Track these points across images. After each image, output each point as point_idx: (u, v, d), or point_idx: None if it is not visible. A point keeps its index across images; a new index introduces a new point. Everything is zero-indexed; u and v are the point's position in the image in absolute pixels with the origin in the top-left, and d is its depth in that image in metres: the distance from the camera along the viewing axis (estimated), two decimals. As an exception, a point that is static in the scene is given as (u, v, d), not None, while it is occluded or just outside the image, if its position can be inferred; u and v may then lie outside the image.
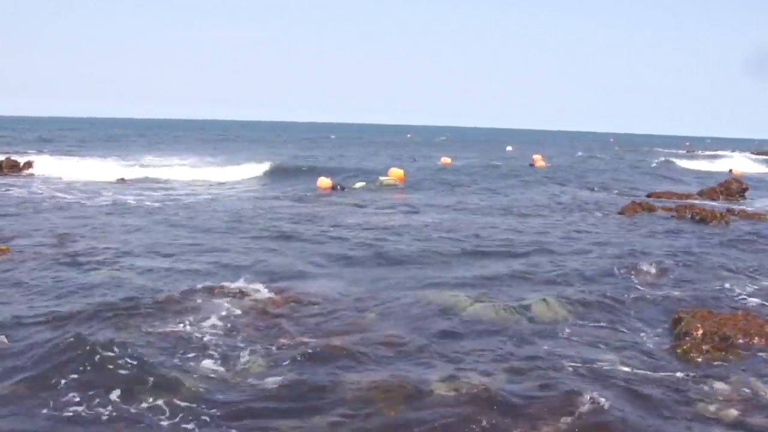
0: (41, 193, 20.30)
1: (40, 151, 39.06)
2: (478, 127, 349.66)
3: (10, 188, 21.29)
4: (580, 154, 58.57)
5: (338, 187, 24.11)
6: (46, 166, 28.36)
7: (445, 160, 41.05)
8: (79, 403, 5.48)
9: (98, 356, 6.25)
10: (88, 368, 6.09)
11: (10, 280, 9.21)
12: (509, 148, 66.28)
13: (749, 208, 19.14)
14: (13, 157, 28.30)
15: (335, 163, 36.95)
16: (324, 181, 24.64)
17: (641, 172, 37.20)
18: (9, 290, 8.71)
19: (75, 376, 5.98)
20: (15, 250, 10.93)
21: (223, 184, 26.03)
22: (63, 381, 5.88)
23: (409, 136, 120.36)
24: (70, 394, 5.65)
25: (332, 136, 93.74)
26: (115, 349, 6.44)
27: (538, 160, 40.16)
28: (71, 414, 5.32)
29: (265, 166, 30.33)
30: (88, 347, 6.36)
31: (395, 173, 27.17)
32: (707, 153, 67.84)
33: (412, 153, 49.82)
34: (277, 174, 29.20)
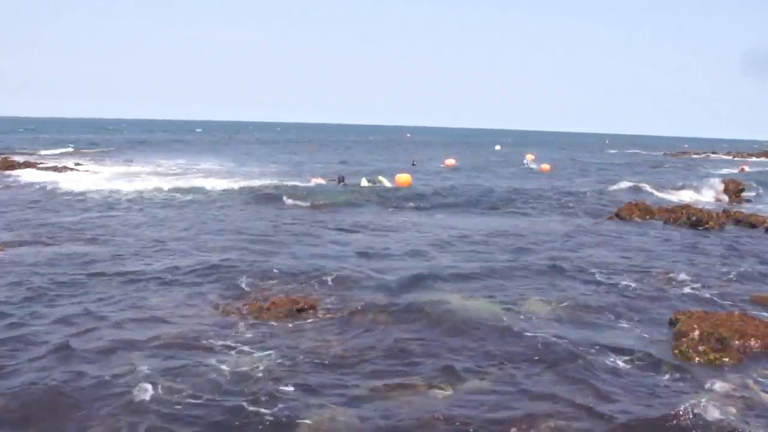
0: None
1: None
2: (472, 128, 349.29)
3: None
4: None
5: (341, 180, 25.06)
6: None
7: (450, 161, 40.87)
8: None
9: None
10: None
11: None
12: (498, 147, 68.11)
13: (745, 210, 19.16)
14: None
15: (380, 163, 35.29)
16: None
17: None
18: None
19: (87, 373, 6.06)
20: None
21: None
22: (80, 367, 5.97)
23: (408, 135, 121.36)
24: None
25: (371, 138, 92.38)
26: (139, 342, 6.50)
27: (533, 161, 40.11)
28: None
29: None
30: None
31: (402, 179, 27.22)
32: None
33: (413, 153, 49.73)
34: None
